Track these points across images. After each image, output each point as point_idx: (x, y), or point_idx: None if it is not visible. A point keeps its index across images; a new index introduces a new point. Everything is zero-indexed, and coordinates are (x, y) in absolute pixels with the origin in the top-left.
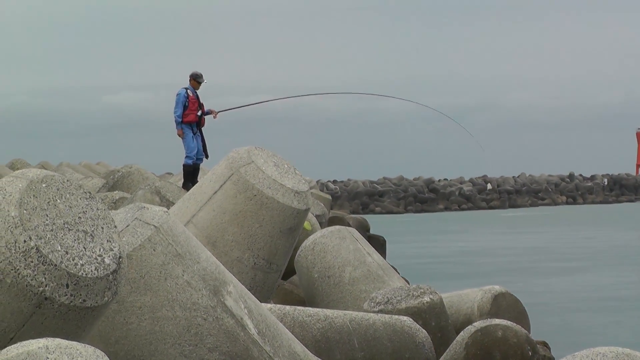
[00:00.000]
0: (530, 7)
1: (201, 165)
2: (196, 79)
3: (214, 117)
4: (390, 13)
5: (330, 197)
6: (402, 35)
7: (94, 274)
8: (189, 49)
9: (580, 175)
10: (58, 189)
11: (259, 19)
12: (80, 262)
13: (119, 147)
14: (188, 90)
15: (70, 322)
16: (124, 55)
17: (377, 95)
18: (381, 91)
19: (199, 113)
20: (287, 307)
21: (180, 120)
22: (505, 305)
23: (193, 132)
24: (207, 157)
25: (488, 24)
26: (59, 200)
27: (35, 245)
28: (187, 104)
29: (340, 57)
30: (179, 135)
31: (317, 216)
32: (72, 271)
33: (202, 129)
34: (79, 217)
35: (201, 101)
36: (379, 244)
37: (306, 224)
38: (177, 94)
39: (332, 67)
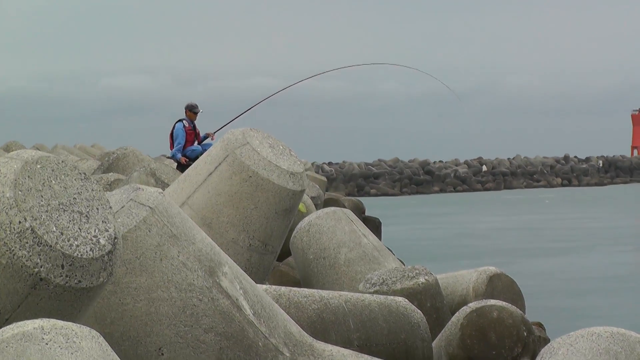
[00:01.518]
0: None
1: None
2: (192, 110)
3: (212, 140)
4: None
5: (325, 179)
6: (399, 20)
7: (89, 254)
8: (188, 33)
9: (576, 157)
10: (53, 170)
11: (257, 2)
12: (76, 243)
13: (116, 130)
14: (184, 122)
15: (66, 303)
16: (123, 39)
17: (380, 65)
18: (377, 75)
19: (195, 143)
20: (283, 288)
21: (178, 158)
22: (500, 286)
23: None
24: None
25: (487, 8)
26: (54, 182)
27: (31, 226)
28: (185, 138)
29: (337, 41)
30: (184, 163)
31: (312, 198)
32: (68, 252)
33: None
34: (74, 198)
35: (197, 130)
36: (374, 225)
37: (301, 206)
38: (175, 129)
39: (329, 51)
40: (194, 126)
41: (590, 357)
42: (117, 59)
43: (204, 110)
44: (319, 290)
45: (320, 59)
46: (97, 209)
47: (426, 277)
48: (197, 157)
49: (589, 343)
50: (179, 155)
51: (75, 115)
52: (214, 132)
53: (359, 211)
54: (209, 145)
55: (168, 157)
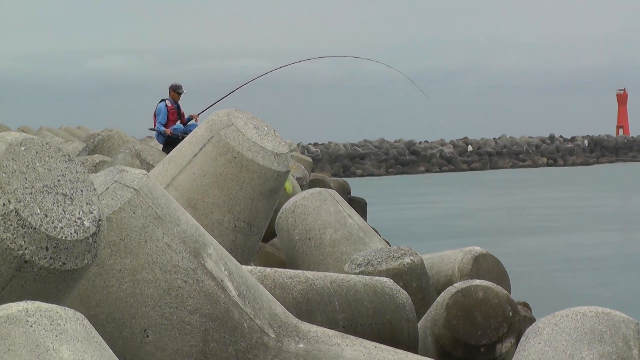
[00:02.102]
0: None
1: None
2: (175, 90)
3: (196, 121)
4: None
5: (310, 160)
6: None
7: (74, 236)
8: (174, 13)
9: (561, 136)
10: (37, 152)
11: None
12: (60, 225)
13: (102, 111)
14: (167, 101)
15: (50, 285)
16: (109, 20)
17: (353, 58)
18: (366, 55)
19: (178, 122)
20: (268, 269)
21: (162, 130)
22: (486, 266)
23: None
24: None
25: None
26: (38, 164)
27: (15, 208)
28: (167, 116)
29: (326, 21)
30: (170, 134)
31: (297, 179)
32: (52, 234)
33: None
34: (58, 180)
35: (182, 111)
36: (359, 206)
37: (287, 185)
38: (157, 108)
39: (317, 31)
40: (178, 106)
41: (575, 336)
42: (103, 39)
43: (188, 91)
44: (304, 271)
45: (309, 41)
46: (82, 190)
47: (411, 258)
48: (178, 136)
49: (573, 323)
50: (163, 129)
51: (61, 96)
52: (198, 114)
53: (345, 192)
54: (194, 126)
55: (150, 129)
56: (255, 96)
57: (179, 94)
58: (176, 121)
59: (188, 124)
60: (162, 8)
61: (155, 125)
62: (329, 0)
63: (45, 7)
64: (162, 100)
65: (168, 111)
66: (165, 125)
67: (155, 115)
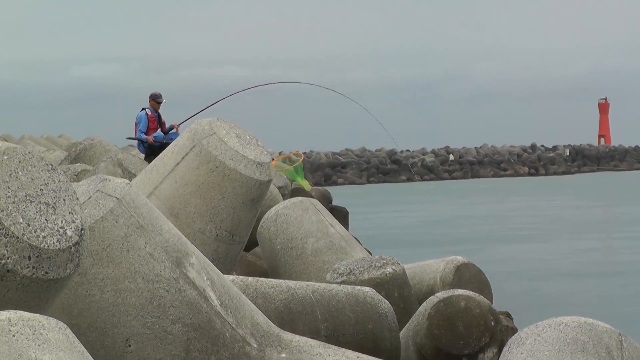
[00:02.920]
0: None
1: None
2: (155, 99)
3: (177, 131)
4: None
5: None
6: (371, 6)
7: (56, 246)
8: (159, 21)
9: (543, 146)
10: (20, 161)
11: None
12: (42, 234)
13: (86, 119)
14: (147, 110)
15: (33, 295)
16: (93, 27)
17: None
18: (347, 63)
19: (158, 131)
20: (250, 279)
21: (144, 138)
22: (467, 275)
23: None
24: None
25: None
26: (20, 173)
27: None
28: (148, 124)
29: (311, 30)
30: (152, 142)
31: (279, 188)
32: (34, 243)
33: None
34: (41, 190)
35: (163, 120)
36: (341, 215)
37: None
38: (138, 116)
39: (299, 39)
40: (159, 115)
41: (557, 347)
42: (88, 47)
43: (172, 100)
44: (286, 281)
45: (293, 49)
46: (64, 200)
47: (393, 267)
48: (160, 143)
49: (556, 333)
50: (144, 137)
51: (45, 104)
52: (179, 124)
53: (326, 201)
54: (175, 134)
55: (129, 138)
56: (238, 105)
57: (159, 102)
58: (156, 130)
59: (170, 132)
60: (147, 16)
61: (135, 134)
62: (314, 9)
63: (29, 14)
64: (143, 109)
65: (148, 119)
66: (146, 134)
67: (135, 124)
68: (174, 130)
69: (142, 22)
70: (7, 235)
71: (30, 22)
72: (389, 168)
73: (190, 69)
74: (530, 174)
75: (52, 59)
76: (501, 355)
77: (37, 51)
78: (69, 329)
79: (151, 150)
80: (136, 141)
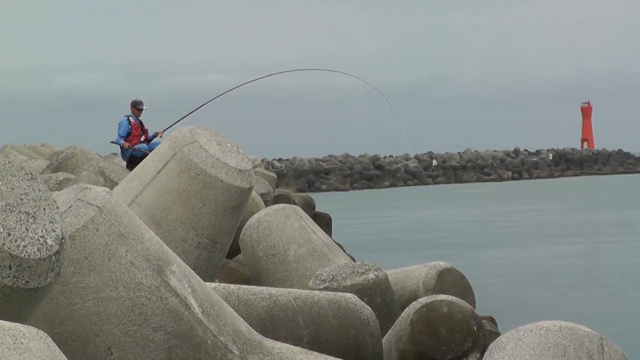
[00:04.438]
0: None
1: None
2: (136, 107)
3: (160, 137)
4: None
5: (275, 176)
6: (356, 12)
7: (37, 255)
8: (142, 29)
9: (526, 150)
10: None
11: None
12: (23, 243)
13: (70, 128)
14: (130, 118)
15: (14, 304)
16: (77, 36)
17: (324, 71)
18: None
19: (142, 139)
20: (232, 286)
21: (122, 143)
22: (450, 280)
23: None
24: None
25: (442, 1)
26: (0, 182)
27: None
28: (130, 131)
29: (296, 35)
30: (127, 147)
31: (262, 195)
32: (15, 253)
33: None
34: (21, 199)
35: (145, 127)
36: (324, 221)
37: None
38: (119, 123)
39: (286, 46)
40: (141, 123)
41: (538, 351)
42: (71, 55)
43: (152, 108)
44: (268, 288)
45: (278, 55)
46: (44, 209)
47: (376, 273)
48: (143, 156)
49: (537, 337)
50: (122, 141)
51: (28, 113)
52: (163, 131)
53: (310, 207)
54: (157, 144)
55: (112, 142)
56: (221, 111)
57: (140, 110)
58: (140, 137)
59: (152, 141)
60: (130, 24)
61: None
62: (298, 15)
63: (12, 23)
64: (126, 116)
65: (131, 127)
66: (128, 141)
67: (118, 128)
68: (157, 138)
69: (125, 30)
70: None
71: (13, 30)
72: (372, 174)
73: (175, 77)
74: (513, 179)
75: (35, 68)
76: None
77: (20, 60)
78: (50, 338)
79: (133, 159)
80: (119, 148)
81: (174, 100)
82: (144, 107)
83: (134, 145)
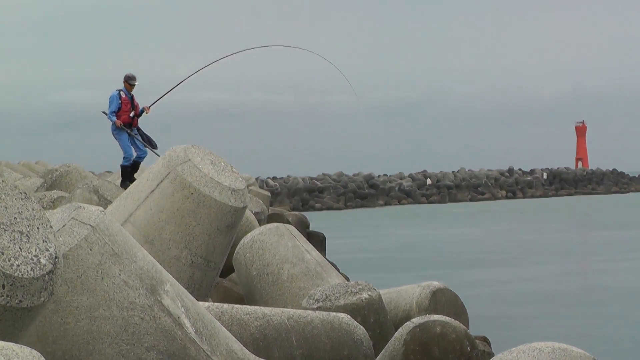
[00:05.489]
0: (478, 1)
1: (143, 165)
2: (128, 81)
3: (147, 113)
4: (338, 6)
5: (269, 194)
6: (348, 29)
7: (30, 274)
8: (135, 46)
9: (520, 169)
10: None
11: (206, 15)
12: (16, 262)
13: (65, 145)
14: (121, 92)
15: (7, 323)
16: (71, 52)
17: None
18: (325, 86)
19: (132, 114)
20: (225, 305)
21: (114, 119)
22: (444, 300)
23: (128, 134)
24: (155, 147)
25: (437, 16)
26: None
27: None
28: (120, 106)
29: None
30: (119, 126)
31: (255, 213)
32: (8, 272)
33: (139, 126)
34: (15, 218)
35: (136, 102)
36: (318, 240)
37: None
38: (110, 97)
39: (277, 62)
40: (132, 97)
41: None
42: (65, 72)
43: (154, 126)
44: (262, 307)
45: (271, 72)
46: (38, 228)
47: (369, 293)
48: (135, 163)
49: (530, 358)
50: (114, 118)
51: (22, 130)
52: (149, 106)
53: (303, 226)
54: (144, 153)
55: (103, 112)
56: (214, 130)
57: (132, 85)
58: (129, 112)
59: (139, 116)
60: (125, 41)
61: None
62: (292, 32)
63: (5, 39)
64: (117, 90)
65: (122, 101)
66: (118, 116)
67: (109, 103)
68: (144, 114)
69: (120, 47)
70: None
71: (6, 47)
72: (366, 192)
73: (170, 95)
74: (507, 198)
75: (29, 84)
76: None
77: (14, 76)
78: (43, 358)
79: (128, 176)
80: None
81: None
82: (136, 83)
83: (123, 122)
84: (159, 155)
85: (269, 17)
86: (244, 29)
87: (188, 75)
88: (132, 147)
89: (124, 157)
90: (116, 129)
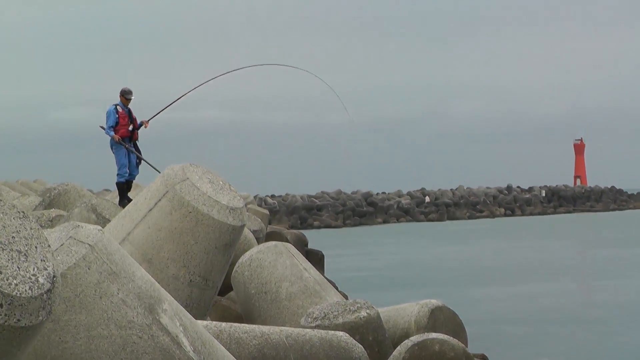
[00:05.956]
0: (476, 18)
1: (137, 182)
2: (124, 95)
3: (145, 127)
4: (335, 24)
5: (267, 212)
6: (346, 46)
7: (28, 293)
8: (136, 64)
9: (519, 187)
10: None
11: (203, 33)
12: (14, 281)
13: (64, 164)
14: (118, 107)
15: (5, 342)
16: (72, 70)
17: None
18: (323, 104)
19: (130, 128)
20: (224, 324)
21: (112, 134)
22: (442, 318)
23: (126, 149)
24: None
25: (436, 34)
26: None
27: None
28: (117, 120)
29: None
30: (117, 141)
31: (254, 231)
32: (6, 291)
33: (137, 142)
34: (13, 237)
35: (134, 116)
36: (317, 258)
37: None
38: (107, 111)
39: (277, 80)
40: (129, 111)
41: None
42: (66, 90)
43: (155, 142)
44: (260, 326)
45: (271, 89)
46: (36, 247)
47: (368, 311)
48: (129, 180)
49: None
50: (112, 133)
51: (22, 148)
52: (148, 120)
53: (302, 244)
54: (135, 173)
55: (101, 127)
56: (213, 148)
57: (128, 99)
58: (128, 126)
59: (138, 130)
60: (125, 60)
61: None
62: (290, 51)
63: (6, 57)
64: (114, 105)
65: (119, 115)
66: (116, 130)
67: (106, 118)
68: (143, 128)
69: (120, 65)
70: None
71: (6, 65)
72: (364, 210)
73: (169, 112)
74: (506, 215)
75: (29, 103)
76: None
77: (14, 94)
78: None
79: (124, 193)
80: (107, 137)
81: (169, 135)
82: (132, 97)
83: (122, 136)
84: (159, 172)
85: (267, 35)
86: (241, 47)
87: (187, 91)
88: (127, 165)
89: (117, 174)
90: (114, 144)
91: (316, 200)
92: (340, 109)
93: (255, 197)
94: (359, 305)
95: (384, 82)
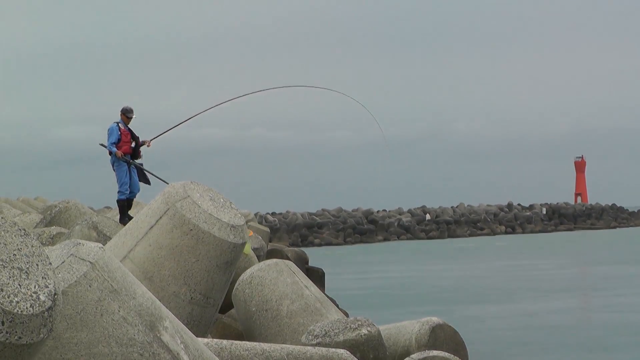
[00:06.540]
0: (477, 37)
1: (138, 200)
2: (125, 114)
3: (148, 146)
4: (333, 41)
5: (268, 230)
6: (347, 64)
7: (30, 311)
8: (137, 82)
9: (519, 204)
10: None
11: (204, 53)
12: (16, 299)
13: (65, 182)
14: (119, 124)
15: (6, 359)
16: (73, 88)
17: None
18: (326, 123)
19: (133, 145)
20: (224, 342)
21: (115, 150)
22: (443, 336)
23: (128, 165)
24: (148, 183)
25: (437, 53)
26: None
27: None
28: (120, 137)
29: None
30: (119, 157)
31: (255, 249)
32: (8, 308)
33: (139, 160)
34: (14, 255)
35: (136, 134)
36: (317, 276)
37: (246, 247)
38: (109, 128)
39: (279, 99)
40: (131, 130)
41: None
42: (67, 108)
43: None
44: (261, 344)
45: (273, 109)
46: (37, 265)
47: (368, 329)
48: (130, 198)
49: None
50: (114, 149)
51: (23, 166)
52: (150, 140)
53: (303, 262)
54: (137, 188)
55: (101, 145)
56: (213, 165)
57: (129, 118)
58: (130, 143)
59: (139, 149)
60: (126, 78)
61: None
62: (291, 70)
63: (5, 75)
64: (115, 122)
65: (121, 133)
66: (119, 147)
67: (108, 135)
68: (145, 147)
69: (121, 83)
70: None
71: (7, 82)
72: (365, 228)
73: (173, 131)
74: (507, 233)
75: (31, 120)
76: None
77: (16, 112)
78: None
79: (125, 211)
80: (109, 154)
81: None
82: (134, 116)
83: (125, 153)
84: (167, 183)
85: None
86: (247, 70)
87: (195, 114)
88: (128, 183)
89: (118, 191)
90: (116, 160)
91: (317, 218)
92: (343, 127)
93: (255, 214)
94: (359, 322)
95: (385, 101)
